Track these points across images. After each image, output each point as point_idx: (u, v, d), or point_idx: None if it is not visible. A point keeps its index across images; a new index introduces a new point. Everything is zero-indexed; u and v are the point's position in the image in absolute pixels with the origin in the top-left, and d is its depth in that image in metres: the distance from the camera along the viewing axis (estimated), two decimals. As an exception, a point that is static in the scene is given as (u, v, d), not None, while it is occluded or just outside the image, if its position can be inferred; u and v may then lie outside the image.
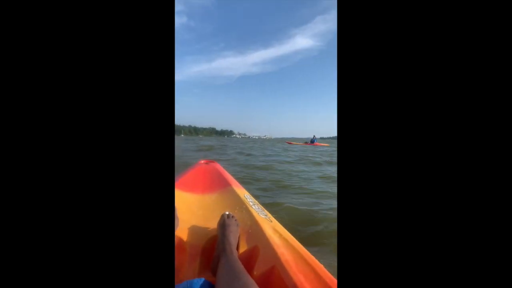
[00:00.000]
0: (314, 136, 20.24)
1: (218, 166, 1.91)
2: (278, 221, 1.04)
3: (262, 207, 1.21)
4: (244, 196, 1.29)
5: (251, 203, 1.18)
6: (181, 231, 0.91)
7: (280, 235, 0.87)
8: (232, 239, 0.83)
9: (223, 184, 1.51)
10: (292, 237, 0.88)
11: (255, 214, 1.03)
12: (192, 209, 1.20)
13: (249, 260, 0.81)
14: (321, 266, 0.69)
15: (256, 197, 1.86)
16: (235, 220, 0.93)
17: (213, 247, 0.87)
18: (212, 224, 0.96)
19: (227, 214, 0.93)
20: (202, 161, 2.02)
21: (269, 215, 1.10)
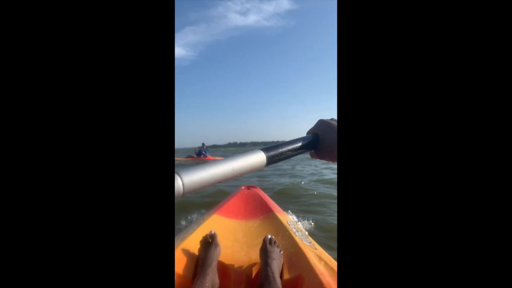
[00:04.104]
0: (203, 144, 12.76)
1: (260, 192, 1.92)
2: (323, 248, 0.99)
3: (306, 234, 1.18)
4: (287, 222, 1.27)
5: (294, 230, 1.16)
6: (226, 257, 0.93)
7: (326, 264, 0.84)
8: (275, 266, 0.82)
9: (266, 210, 1.51)
10: None
11: (298, 241, 1.01)
12: (236, 236, 1.21)
13: None
14: None
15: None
16: (278, 246, 0.92)
17: (257, 274, 0.86)
18: (256, 250, 0.97)
19: (269, 239, 0.93)
20: (243, 187, 2.05)
21: (314, 242, 1.06)
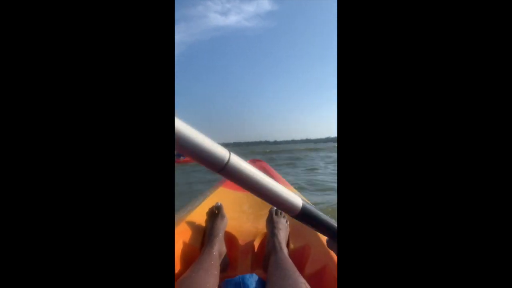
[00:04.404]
0: None
1: (265, 165, 1.92)
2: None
3: (312, 205, 1.18)
4: None
5: None
6: (233, 228, 0.94)
7: None
8: (281, 236, 0.83)
9: None
10: None
11: None
12: (242, 207, 1.23)
13: (300, 259, 0.79)
14: None
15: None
16: (284, 216, 0.92)
17: (264, 244, 0.88)
18: (262, 221, 0.97)
19: (275, 210, 0.93)
20: (249, 161, 2.05)
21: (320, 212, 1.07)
